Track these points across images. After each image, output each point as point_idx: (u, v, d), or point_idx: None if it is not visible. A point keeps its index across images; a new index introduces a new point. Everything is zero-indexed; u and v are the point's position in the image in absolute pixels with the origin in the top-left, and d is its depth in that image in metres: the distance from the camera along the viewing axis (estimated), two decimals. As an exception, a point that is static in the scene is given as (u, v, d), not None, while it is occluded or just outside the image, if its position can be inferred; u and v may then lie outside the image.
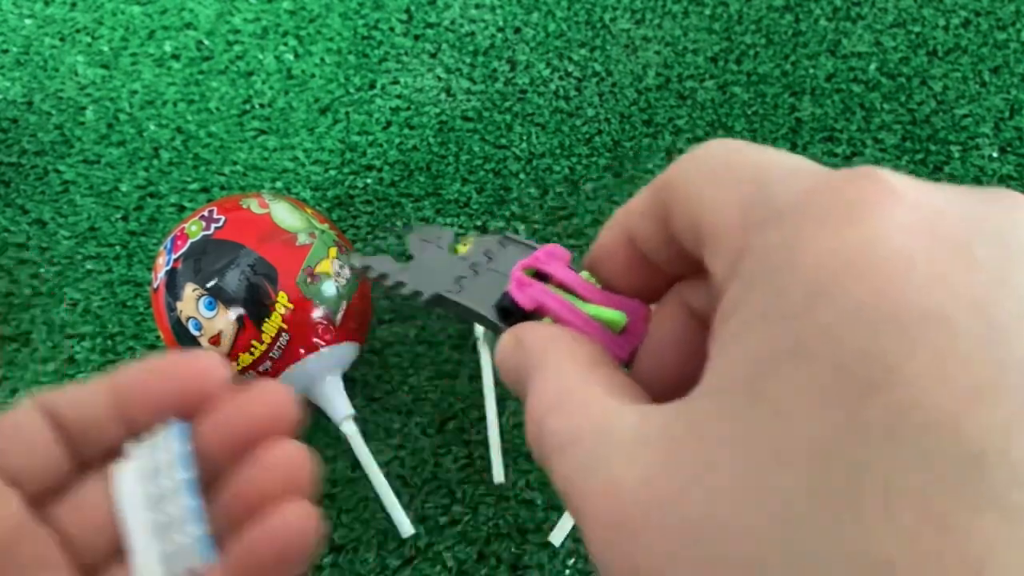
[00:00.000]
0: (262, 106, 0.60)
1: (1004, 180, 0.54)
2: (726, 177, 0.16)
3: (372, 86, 0.61)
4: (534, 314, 0.25)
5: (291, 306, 0.39)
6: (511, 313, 0.26)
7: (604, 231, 0.20)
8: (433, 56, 0.62)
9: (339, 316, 0.41)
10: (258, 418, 0.23)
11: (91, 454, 0.24)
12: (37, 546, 0.22)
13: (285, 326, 0.39)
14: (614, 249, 0.20)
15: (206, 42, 0.64)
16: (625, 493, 0.14)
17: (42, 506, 0.23)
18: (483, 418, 0.45)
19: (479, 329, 0.46)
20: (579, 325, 0.24)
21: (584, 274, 0.26)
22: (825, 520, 0.11)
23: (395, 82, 0.61)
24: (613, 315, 0.24)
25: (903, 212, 0.13)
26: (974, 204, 0.13)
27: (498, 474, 0.43)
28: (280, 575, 0.22)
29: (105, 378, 0.24)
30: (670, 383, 0.19)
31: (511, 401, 0.46)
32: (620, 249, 0.20)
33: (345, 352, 0.42)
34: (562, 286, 0.25)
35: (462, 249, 0.50)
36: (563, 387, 0.17)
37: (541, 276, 0.26)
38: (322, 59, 0.63)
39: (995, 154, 0.55)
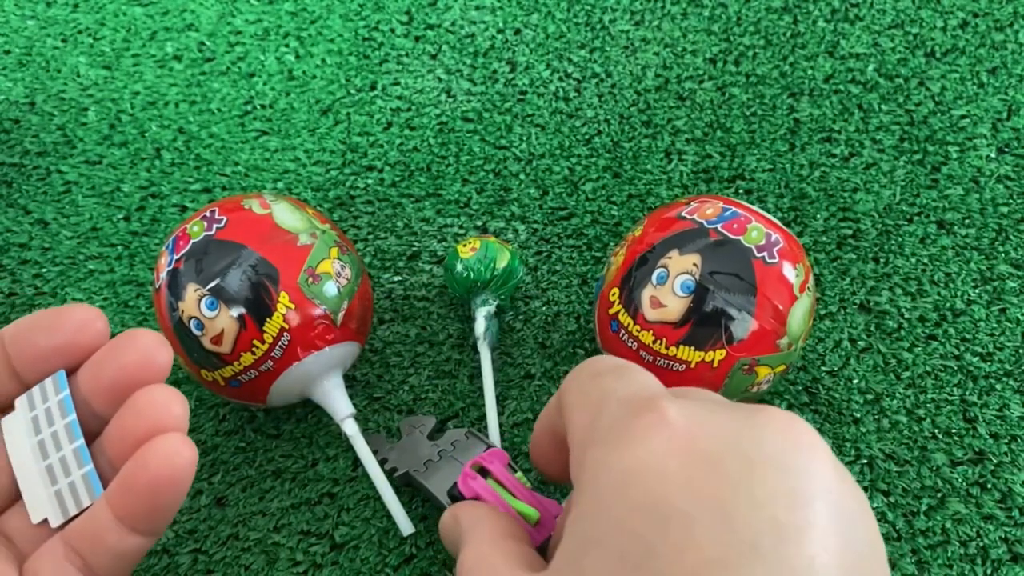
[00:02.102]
0: (263, 107, 0.60)
1: (1002, 180, 0.54)
2: (580, 404, 0.22)
3: (373, 87, 0.61)
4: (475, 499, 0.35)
5: (292, 306, 0.39)
6: (457, 498, 0.36)
7: (536, 425, 0.27)
8: (433, 57, 0.63)
9: (340, 316, 0.41)
10: (130, 365, 0.25)
11: None
12: None
13: (286, 326, 0.39)
14: (540, 440, 0.26)
15: (208, 43, 0.64)
16: None
17: None
18: (483, 418, 0.45)
19: (479, 329, 0.46)
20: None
21: (518, 475, 0.37)
22: None
23: (396, 83, 0.61)
24: (529, 510, 0.34)
25: (669, 437, 0.18)
26: (735, 425, 0.18)
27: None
28: (160, 501, 0.24)
29: None
30: None
31: (511, 401, 0.46)
32: (545, 438, 0.26)
33: (346, 352, 0.42)
34: (499, 482, 0.36)
35: (463, 250, 0.50)
36: (478, 554, 0.24)
37: (485, 471, 0.37)
38: (323, 60, 0.63)
39: (993, 154, 0.56)
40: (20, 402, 0.25)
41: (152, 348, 0.25)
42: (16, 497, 0.25)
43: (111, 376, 0.25)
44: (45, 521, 0.24)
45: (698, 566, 0.16)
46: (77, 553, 0.24)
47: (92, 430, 0.26)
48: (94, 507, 0.24)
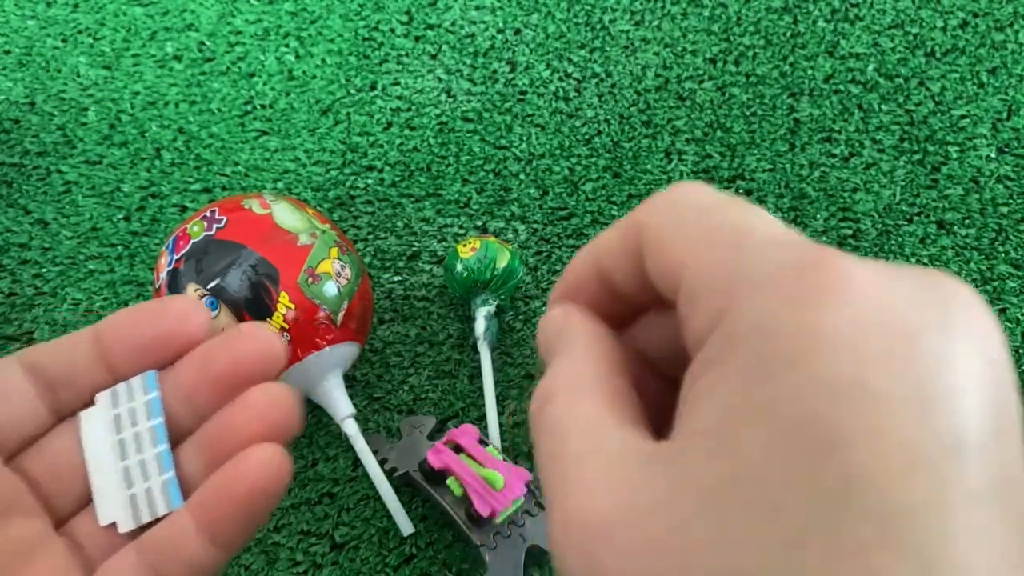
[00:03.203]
0: (263, 107, 0.60)
1: (1002, 180, 0.54)
2: (705, 237, 0.17)
3: (373, 87, 0.61)
4: (444, 473, 0.38)
5: (292, 306, 0.39)
6: (427, 473, 0.39)
7: (575, 263, 0.21)
8: (433, 57, 0.63)
9: (340, 316, 0.41)
10: (245, 360, 0.23)
11: (74, 404, 0.24)
12: (8, 492, 0.22)
13: (287, 326, 0.39)
14: (585, 280, 0.21)
15: (208, 43, 0.64)
16: (599, 506, 0.16)
17: (15, 455, 0.23)
18: (483, 418, 0.45)
19: (479, 329, 0.46)
20: (470, 481, 0.37)
21: (489, 448, 0.39)
22: (771, 570, 0.13)
23: (396, 83, 0.61)
24: (495, 476, 0.36)
25: (861, 303, 0.15)
26: (924, 296, 0.15)
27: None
28: (244, 518, 0.22)
29: (90, 327, 0.24)
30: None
31: (511, 401, 0.46)
32: (591, 280, 0.21)
33: (346, 352, 0.42)
34: (470, 455, 0.38)
35: (463, 250, 0.50)
36: (574, 379, 0.18)
37: (459, 447, 0.39)
38: (323, 60, 0.63)
39: (993, 154, 0.56)
40: (102, 397, 0.24)
41: (271, 343, 0.23)
42: (89, 500, 0.23)
43: (221, 370, 0.23)
44: (113, 525, 0.23)
45: (898, 467, 0.13)
46: (151, 566, 0.22)
47: (182, 429, 0.24)
48: (174, 515, 0.22)
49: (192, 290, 0.39)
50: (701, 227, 0.17)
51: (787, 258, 0.16)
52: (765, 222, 0.17)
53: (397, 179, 0.56)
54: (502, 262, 0.46)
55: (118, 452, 0.23)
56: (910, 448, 0.13)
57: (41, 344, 0.24)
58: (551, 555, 0.16)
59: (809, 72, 0.60)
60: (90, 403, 0.24)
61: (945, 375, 0.14)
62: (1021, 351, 0.47)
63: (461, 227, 0.54)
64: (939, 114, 0.58)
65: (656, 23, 0.64)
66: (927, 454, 0.13)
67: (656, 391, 0.20)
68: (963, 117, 0.57)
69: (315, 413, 0.46)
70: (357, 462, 0.44)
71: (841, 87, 0.59)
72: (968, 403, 0.14)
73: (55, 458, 0.23)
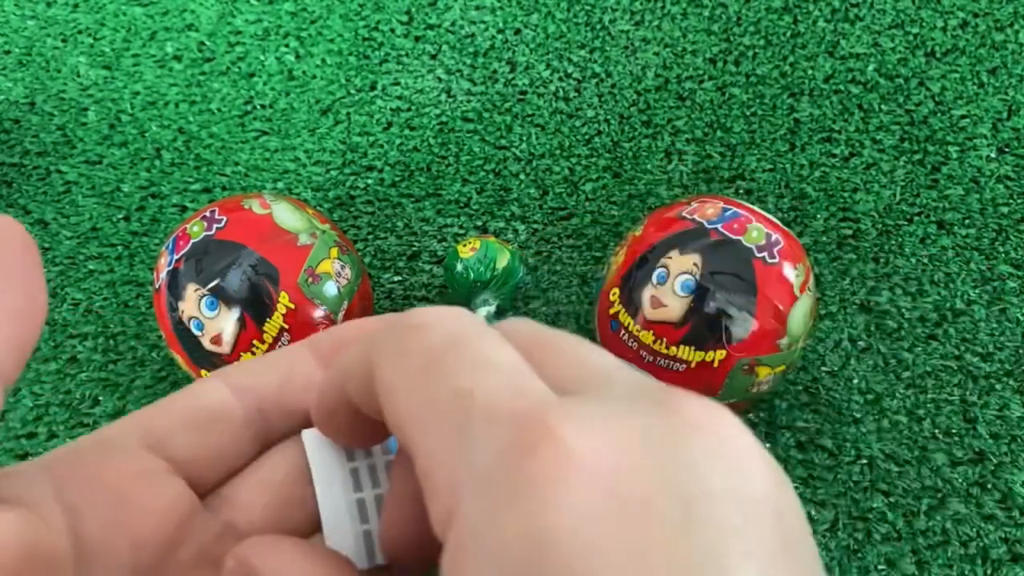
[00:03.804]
0: (263, 107, 0.60)
1: (1002, 180, 0.54)
2: (430, 407, 0.15)
3: (373, 87, 0.61)
4: None
5: (292, 306, 0.39)
6: None
7: (322, 389, 0.18)
8: (433, 57, 0.63)
9: (340, 316, 0.41)
10: None
11: (283, 429, 0.21)
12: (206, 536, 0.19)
13: (286, 326, 0.39)
14: (336, 408, 0.18)
15: (208, 43, 0.64)
16: None
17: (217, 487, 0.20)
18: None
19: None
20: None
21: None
22: None
23: (396, 83, 0.61)
24: None
25: (579, 482, 0.13)
26: (654, 437, 0.14)
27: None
28: None
29: (304, 344, 0.21)
30: (412, 537, 0.18)
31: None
32: (340, 408, 0.18)
33: (346, 352, 0.42)
34: None
35: (463, 250, 0.50)
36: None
37: None
38: (323, 60, 0.63)
39: (993, 154, 0.56)
40: None
41: None
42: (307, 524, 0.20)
43: None
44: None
45: None
46: None
47: None
48: None
49: (192, 290, 0.39)
50: (427, 391, 0.15)
51: (504, 442, 0.14)
52: (488, 381, 0.15)
53: (397, 179, 0.56)
54: (502, 262, 0.46)
55: (351, 482, 0.20)
56: None
57: (242, 367, 0.20)
58: None
59: (809, 72, 0.60)
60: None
61: (690, 543, 0.13)
62: (1021, 351, 0.47)
63: (461, 227, 0.54)
64: (939, 114, 0.58)
65: (656, 23, 0.64)
66: None
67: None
68: (963, 117, 0.57)
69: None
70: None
71: (841, 87, 0.59)
72: (720, 565, 0.13)
73: (261, 489, 0.20)
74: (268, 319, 0.39)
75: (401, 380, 0.16)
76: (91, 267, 0.53)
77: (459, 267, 0.46)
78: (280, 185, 0.56)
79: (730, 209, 0.39)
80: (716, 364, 0.37)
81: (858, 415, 0.45)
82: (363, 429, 0.18)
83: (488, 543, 0.13)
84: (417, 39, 0.64)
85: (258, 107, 0.60)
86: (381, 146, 0.58)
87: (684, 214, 0.40)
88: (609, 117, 0.59)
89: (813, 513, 0.41)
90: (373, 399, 0.16)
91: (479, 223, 0.54)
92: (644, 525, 0.13)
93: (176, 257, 0.40)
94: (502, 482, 0.13)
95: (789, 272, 0.38)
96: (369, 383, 0.16)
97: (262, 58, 0.63)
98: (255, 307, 0.39)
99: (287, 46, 0.64)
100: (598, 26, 0.64)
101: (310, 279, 0.40)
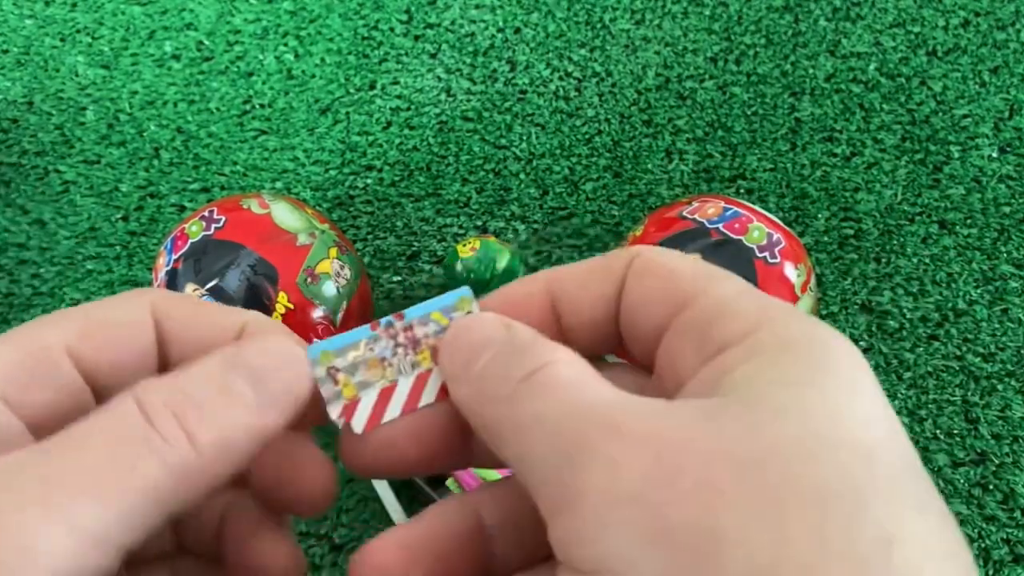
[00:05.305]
0: (262, 106, 0.60)
1: (1004, 180, 0.54)
2: (716, 274, 0.16)
3: (372, 86, 0.61)
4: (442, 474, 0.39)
5: (291, 306, 0.39)
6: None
7: (522, 284, 0.18)
8: (433, 56, 0.62)
9: (339, 316, 0.41)
10: None
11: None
12: None
13: (286, 326, 0.39)
14: (528, 302, 0.18)
15: (206, 42, 0.64)
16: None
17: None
18: (483, 418, 0.45)
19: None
20: (469, 482, 0.38)
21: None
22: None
23: (395, 82, 0.61)
24: (493, 476, 0.35)
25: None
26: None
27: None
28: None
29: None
30: None
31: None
32: (535, 305, 0.18)
33: (345, 352, 0.42)
34: None
35: (463, 250, 0.50)
36: (570, 354, 0.16)
37: None
38: (322, 59, 0.63)
39: (995, 154, 0.55)
40: None
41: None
42: None
43: None
44: None
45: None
46: None
47: None
48: None
49: (191, 290, 0.38)
50: (707, 266, 0.17)
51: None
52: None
53: (396, 179, 0.56)
54: (502, 262, 0.46)
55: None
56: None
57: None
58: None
59: (810, 71, 0.60)
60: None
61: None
62: (1022, 352, 0.47)
63: (461, 227, 0.53)
64: (941, 113, 0.57)
65: (657, 22, 0.63)
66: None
67: None
68: (965, 116, 0.57)
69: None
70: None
71: (842, 86, 0.59)
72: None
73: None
74: (267, 319, 0.39)
75: (680, 258, 0.17)
76: (89, 267, 0.52)
77: (459, 267, 0.46)
78: (279, 185, 0.56)
79: (731, 209, 0.39)
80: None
81: (859, 416, 0.45)
82: (546, 328, 0.18)
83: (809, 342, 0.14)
84: (417, 38, 0.64)
85: (257, 106, 0.60)
86: (380, 145, 0.58)
87: (685, 214, 0.40)
88: (609, 116, 0.59)
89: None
90: (603, 289, 0.17)
91: (479, 223, 0.54)
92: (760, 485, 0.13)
93: (175, 257, 0.40)
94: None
95: (790, 272, 0.37)
96: (611, 274, 0.17)
97: (261, 57, 0.63)
98: (254, 307, 0.38)
99: (286, 45, 0.64)
100: (598, 25, 0.64)
101: (309, 279, 0.40)
